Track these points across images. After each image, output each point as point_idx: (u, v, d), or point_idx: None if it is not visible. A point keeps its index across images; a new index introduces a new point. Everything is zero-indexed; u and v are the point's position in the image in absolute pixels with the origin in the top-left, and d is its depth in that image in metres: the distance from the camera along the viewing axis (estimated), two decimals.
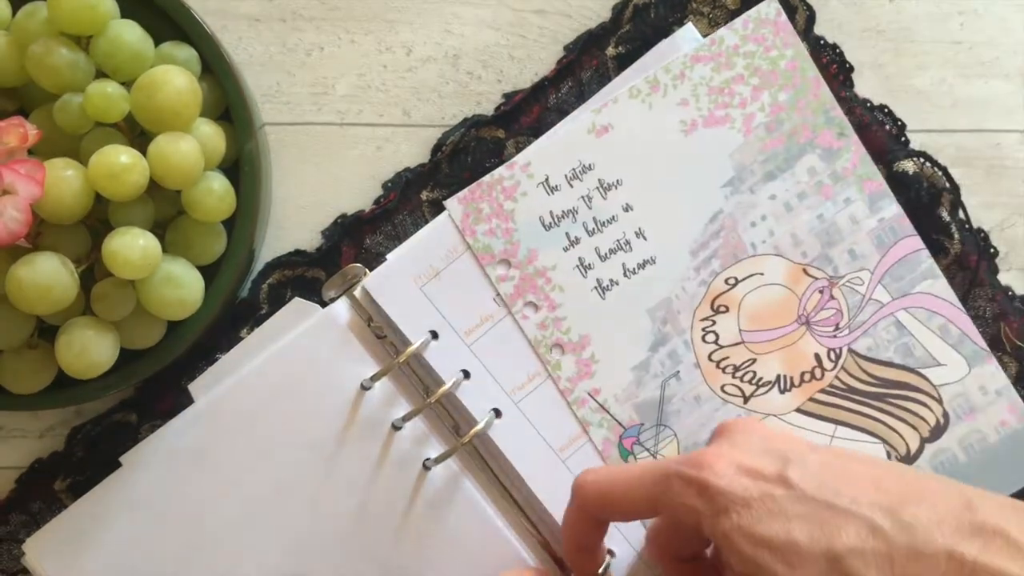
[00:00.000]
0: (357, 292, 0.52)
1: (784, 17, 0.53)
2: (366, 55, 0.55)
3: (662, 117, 0.52)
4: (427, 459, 0.52)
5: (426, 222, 0.54)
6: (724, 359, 0.53)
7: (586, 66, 0.55)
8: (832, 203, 0.53)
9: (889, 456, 0.52)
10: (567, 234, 0.52)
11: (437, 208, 0.54)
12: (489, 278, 0.52)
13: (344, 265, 0.54)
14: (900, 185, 0.54)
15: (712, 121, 0.53)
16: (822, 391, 0.52)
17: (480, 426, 0.51)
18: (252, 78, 0.55)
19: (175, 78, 0.46)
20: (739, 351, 0.53)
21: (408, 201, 0.54)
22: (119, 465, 0.51)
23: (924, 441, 0.52)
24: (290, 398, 0.51)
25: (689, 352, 0.52)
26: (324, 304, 0.53)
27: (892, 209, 0.53)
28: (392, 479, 0.51)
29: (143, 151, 0.46)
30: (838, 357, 0.52)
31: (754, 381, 0.52)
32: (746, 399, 0.52)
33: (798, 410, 0.52)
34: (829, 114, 0.53)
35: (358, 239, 0.54)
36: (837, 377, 0.52)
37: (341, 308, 0.52)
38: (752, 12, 0.53)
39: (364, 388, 0.51)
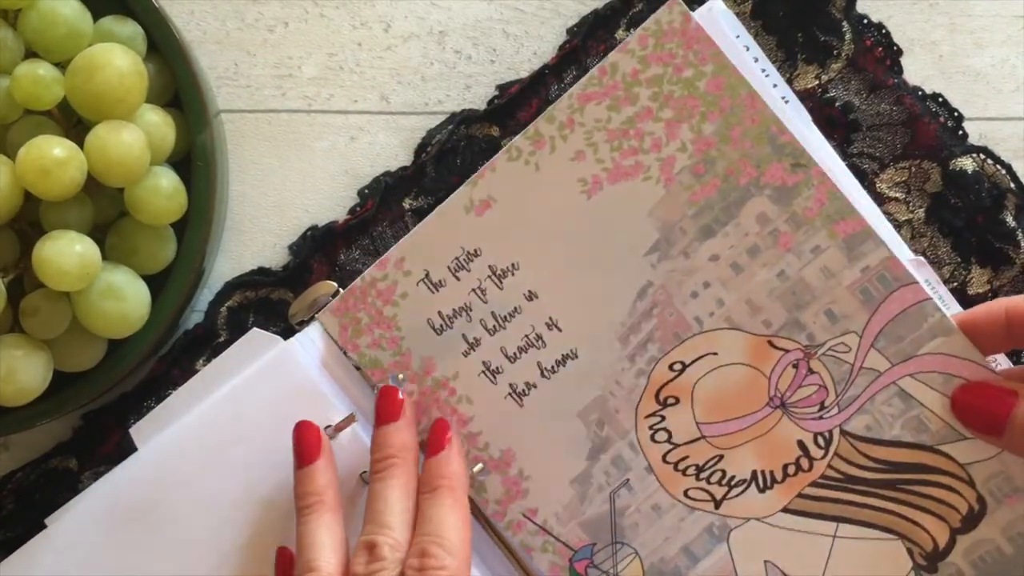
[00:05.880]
0: None
1: (696, 22, 0.45)
2: (337, 31, 0.54)
3: (554, 179, 0.47)
4: None
5: None
6: (683, 459, 0.47)
7: (592, 52, 0.51)
8: (795, 255, 0.46)
9: (912, 554, 0.47)
10: (464, 336, 0.48)
11: (421, 218, 0.52)
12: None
13: (314, 284, 0.52)
14: (958, 186, 0.51)
15: (619, 174, 0.47)
16: (814, 484, 0.47)
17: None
18: (206, 58, 0.54)
19: (117, 58, 0.45)
20: (700, 448, 0.47)
21: (388, 210, 0.53)
22: (44, 527, 0.49)
23: (955, 533, 0.47)
24: (243, 447, 0.49)
25: (638, 456, 0.47)
26: (293, 330, 0.51)
27: (878, 253, 0.46)
28: None
29: (80, 143, 0.45)
30: (828, 442, 0.47)
31: (725, 482, 0.47)
32: (717, 503, 0.47)
33: (786, 510, 0.47)
34: (776, 140, 0.45)
35: (331, 254, 0.53)
36: (830, 466, 0.47)
37: (308, 337, 0.50)
38: (650, 23, 0.46)
39: (328, 436, 0.49)
